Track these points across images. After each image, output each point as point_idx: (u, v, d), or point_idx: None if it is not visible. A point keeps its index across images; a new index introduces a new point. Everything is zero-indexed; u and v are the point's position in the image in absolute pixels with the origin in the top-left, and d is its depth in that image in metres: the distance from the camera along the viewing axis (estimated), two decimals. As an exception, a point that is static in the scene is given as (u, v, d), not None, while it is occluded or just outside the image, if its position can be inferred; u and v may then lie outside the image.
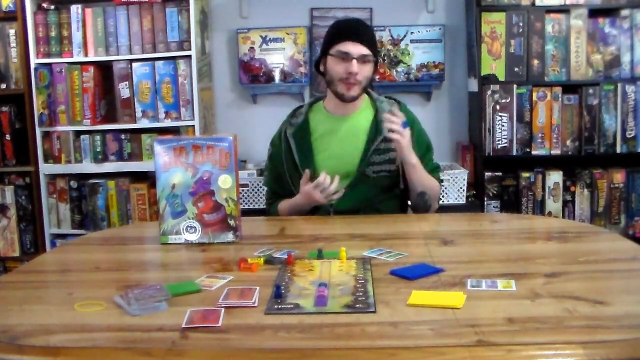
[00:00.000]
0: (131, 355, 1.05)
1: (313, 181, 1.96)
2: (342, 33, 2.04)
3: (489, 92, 3.11)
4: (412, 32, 3.33)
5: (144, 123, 3.13)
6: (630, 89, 3.09)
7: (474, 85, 3.20)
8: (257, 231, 1.85)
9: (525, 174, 3.15)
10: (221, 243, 1.72)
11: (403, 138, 1.96)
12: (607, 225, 3.13)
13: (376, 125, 2.08)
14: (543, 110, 3.11)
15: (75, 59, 3.10)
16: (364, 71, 2.02)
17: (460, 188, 3.08)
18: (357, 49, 2.00)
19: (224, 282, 1.38)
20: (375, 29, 3.31)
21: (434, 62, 3.34)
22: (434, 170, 2.15)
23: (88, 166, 3.15)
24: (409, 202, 2.16)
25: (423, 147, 2.13)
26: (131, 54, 3.10)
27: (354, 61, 1.99)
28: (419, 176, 2.04)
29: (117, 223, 3.14)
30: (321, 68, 2.12)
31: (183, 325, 1.14)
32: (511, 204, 3.16)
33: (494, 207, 3.16)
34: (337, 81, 2.04)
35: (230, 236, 1.72)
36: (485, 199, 3.16)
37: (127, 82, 3.10)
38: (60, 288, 1.43)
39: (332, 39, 2.05)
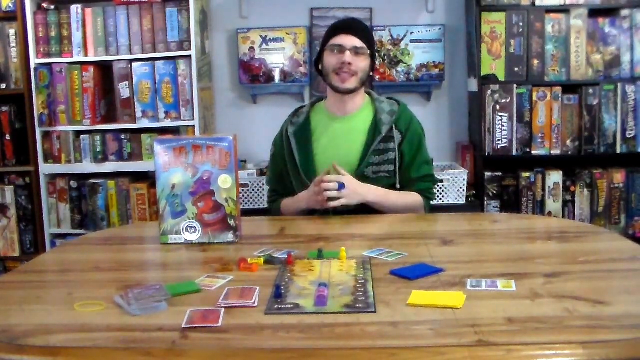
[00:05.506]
0: (131, 355, 1.05)
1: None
2: (337, 28, 2.10)
3: (489, 92, 3.11)
4: (412, 32, 3.33)
5: (144, 123, 3.13)
6: (630, 89, 3.09)
7: (474, 85, 3.19)
8: (257, 231, 1.85)
9: (525, 174, 3.15)
10: (221, 243, 1.72)
11: (346, 197, 1.96)
12: (607, 225, 3.12)
13: (375, 126, 2.08)
14: (543, 110, 3.11)
15: (75, 59, 3.10)
16: (358, 63, 2.05)
17: (460, 188, 3.08)
18: (350, 40, 2.04)
19: (224, 282, 1.38)
20: (375, 29, 3.31)
21: (434, 62, 3.34)
22: (421, 179, 2.11)
23: (88, 166, 3.15)
24: None
25: (414, 148, 2.10)
26: (131, 54, 3.10)
27: (347, 52, 2.03)
28: (388, 207, 2.04)
29: (117, 223, 3.14)
30: (320, 67, 2.14)
31: (183, 325, 1.13)
32: (511, 204, 3.16)
33: (494, 207, 3.16)
34: (332, 73, 2.07)
35: (230, 236, 1.72)
36: (485, 199, 3.16)
37: (127, 82, 3.10)
38: (60, 288, 1.42)
39: (328, 35, 2.11)
